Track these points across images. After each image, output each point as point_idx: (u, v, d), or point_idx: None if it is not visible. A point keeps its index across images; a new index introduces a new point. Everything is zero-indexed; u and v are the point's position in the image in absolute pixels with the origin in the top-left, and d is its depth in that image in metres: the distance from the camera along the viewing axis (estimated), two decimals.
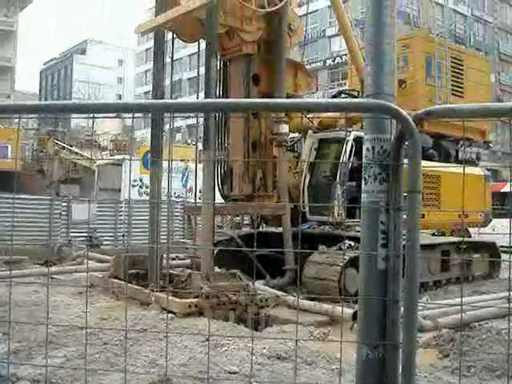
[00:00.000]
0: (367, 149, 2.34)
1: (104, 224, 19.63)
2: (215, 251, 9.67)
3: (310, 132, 11.53)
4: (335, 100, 3.03)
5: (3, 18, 66.63)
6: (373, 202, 2.47)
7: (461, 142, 13.90)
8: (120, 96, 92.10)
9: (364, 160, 2.35)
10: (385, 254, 2.31)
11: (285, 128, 10.14)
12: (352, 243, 9.27)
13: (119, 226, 19.87)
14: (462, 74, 14.14)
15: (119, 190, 26.39)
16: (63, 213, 18.69)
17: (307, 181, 11.18)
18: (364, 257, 2.39)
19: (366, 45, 2.04)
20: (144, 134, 39.52)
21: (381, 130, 2.26)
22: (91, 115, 2.22)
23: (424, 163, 2.33)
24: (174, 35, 10.16)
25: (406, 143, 2.16)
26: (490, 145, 16.14)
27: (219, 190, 10.59)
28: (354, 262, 8.70)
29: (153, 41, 9.94)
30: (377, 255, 2.33)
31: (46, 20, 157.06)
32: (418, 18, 45.34)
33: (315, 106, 2.36)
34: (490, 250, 12.76)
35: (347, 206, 10.28)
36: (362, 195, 2.47)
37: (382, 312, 2.48)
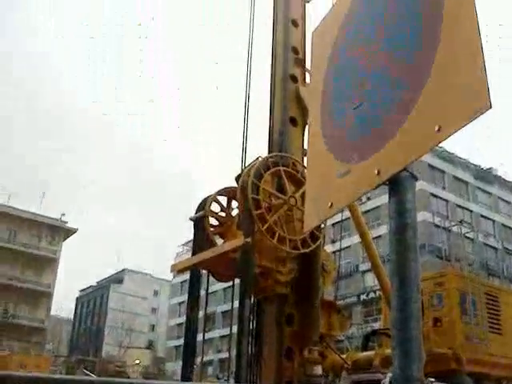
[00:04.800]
0: None
1: None
2: None
3: (343, 373, 11.19)
4: None
5: (47, 246, 69.54)
6: None
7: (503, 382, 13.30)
8: (153, 326, 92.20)
9: None
10: None
11: (318, 369, 9.87)
12: None
13: None
14: (498, 311, 13.92)
15: None
16: None
17: None
18: None
19: (391, 328, 2.06)
20: (175, 366, 38.89)
21: None
22: None
23: None
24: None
25: None
26: None
27: None
28: None
29: (188, 273, 10.20)
30: None
31: (86, 248, 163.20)
32: (450, 253, 45.98)
33: None
34: None
35: None
36: None
37: None
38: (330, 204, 2.22)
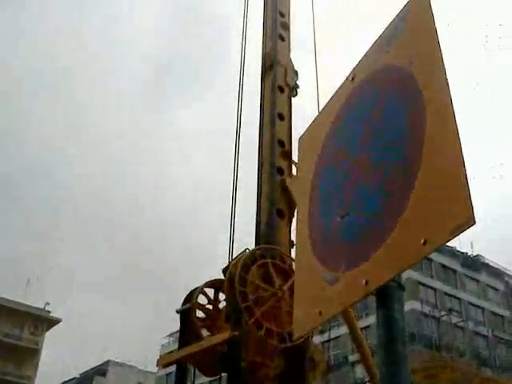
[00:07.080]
0: None
1: None
2: None
3: None
4: None
5: (29, 336, 67.72)
6: None
7: None
8: None
9: None
10: None
11: None
12: None
13: None
14: None
15: None
16: None
17: None
18: None
19: None
20: None
21: None
22: None
23: None
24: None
25: None
26: None
27: None
28: None
29: (174, 366, 9.95)
30: None
31: (69, 337, 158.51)
32: (440, 342, 45.41)
33: None
34: None
35: None
36: None
37: None
38: (318, 312, 2.23)
